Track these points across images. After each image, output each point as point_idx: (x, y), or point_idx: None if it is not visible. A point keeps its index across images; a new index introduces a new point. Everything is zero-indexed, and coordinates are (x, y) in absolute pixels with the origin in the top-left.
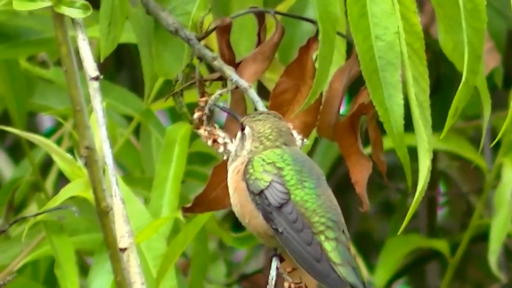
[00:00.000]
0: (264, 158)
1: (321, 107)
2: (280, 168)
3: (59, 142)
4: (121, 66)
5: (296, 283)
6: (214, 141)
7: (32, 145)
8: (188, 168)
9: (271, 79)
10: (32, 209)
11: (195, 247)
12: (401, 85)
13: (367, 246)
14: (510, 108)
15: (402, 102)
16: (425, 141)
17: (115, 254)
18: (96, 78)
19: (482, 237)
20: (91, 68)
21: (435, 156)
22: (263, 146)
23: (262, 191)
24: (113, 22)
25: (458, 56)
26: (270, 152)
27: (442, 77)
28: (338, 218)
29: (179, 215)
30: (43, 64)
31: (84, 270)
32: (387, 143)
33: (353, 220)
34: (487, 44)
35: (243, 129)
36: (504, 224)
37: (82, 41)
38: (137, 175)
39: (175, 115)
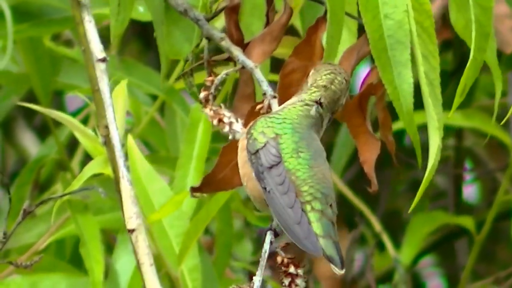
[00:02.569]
0: (267, 120)
1: None
2: (277, 135)
3: (86, 120)
4: (148, 46)
5: (289, 258)
6: (220, 120)
7: (58, 124)
8: (213, 146)
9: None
10: (57, 188)
11: (219, 225)
12: (410, 64)
13: (396, 225)
14: None
15: (411, 80)
16: (434, 119)
17: None
18: (103, 60)
19: (509, 214)
20: (97, 50)
21: (461, 133)
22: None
23: (257, 151)
24: (122, 2)
25: (469, 34)
26: (273, 117)
27: (467, 55)
28: (328, 192)
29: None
30: (68, 42)
31: (110, 248)
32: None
33: (381, 199)
34: (510, 21)
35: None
36: None
37: (88, 22)
38: (163, 154)
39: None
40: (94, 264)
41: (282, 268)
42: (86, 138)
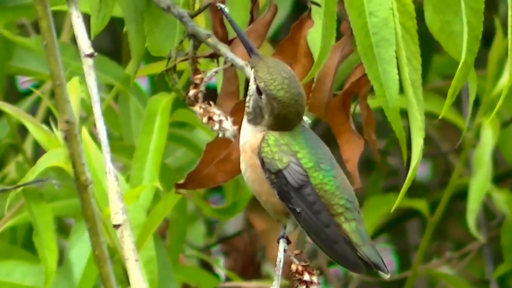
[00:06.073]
0: (278, 137)
1: (313, 85)
2: (295, 151)
3: (39, 101)
4: (102, 33)
5: (303, 266)
6: (210, 118)
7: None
8: (171, 131)
9: None
10: (10, 169)
11: (173, 214)
12: (395, 61)
13: None
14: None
15: (397, 77)
16: (418, 120)
17: (94, 228)
18: (91, 55)
19: (463, 195)
20: (85, 46)
21: None
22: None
23: (280, 170)
24: None
25: (445, 36)
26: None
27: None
28: (354, 199)
29: (158, 184)
30: (22, 27)
31: (64, 231)
32: (373, 102)
33: None
34: None
35: (259, 91)
36: (483, 184)
37: (76, 18)
38: (118, 143)
39: (154, 82)
40: (48, 253)
41: (297, 276)
42: (39, 131)
